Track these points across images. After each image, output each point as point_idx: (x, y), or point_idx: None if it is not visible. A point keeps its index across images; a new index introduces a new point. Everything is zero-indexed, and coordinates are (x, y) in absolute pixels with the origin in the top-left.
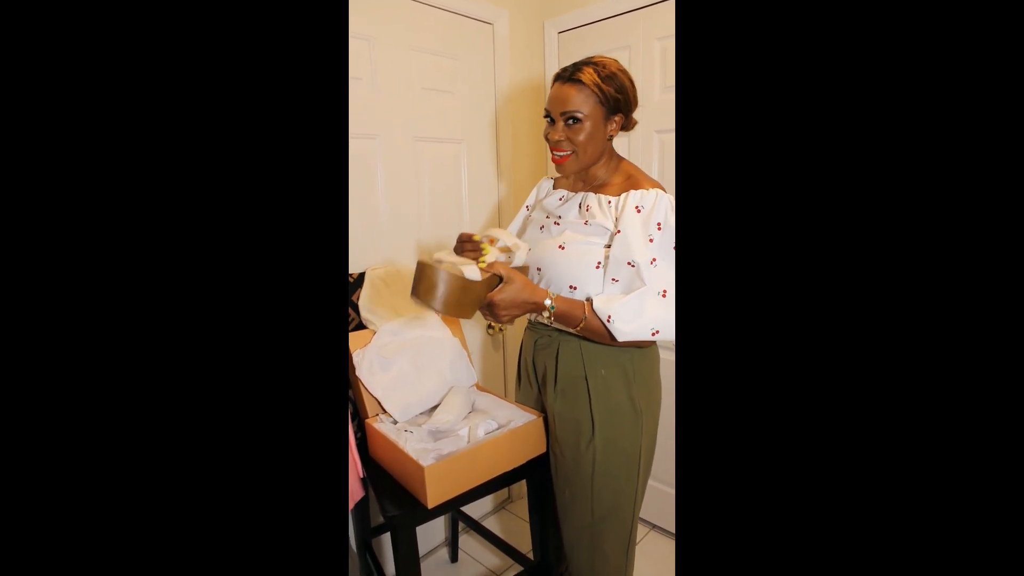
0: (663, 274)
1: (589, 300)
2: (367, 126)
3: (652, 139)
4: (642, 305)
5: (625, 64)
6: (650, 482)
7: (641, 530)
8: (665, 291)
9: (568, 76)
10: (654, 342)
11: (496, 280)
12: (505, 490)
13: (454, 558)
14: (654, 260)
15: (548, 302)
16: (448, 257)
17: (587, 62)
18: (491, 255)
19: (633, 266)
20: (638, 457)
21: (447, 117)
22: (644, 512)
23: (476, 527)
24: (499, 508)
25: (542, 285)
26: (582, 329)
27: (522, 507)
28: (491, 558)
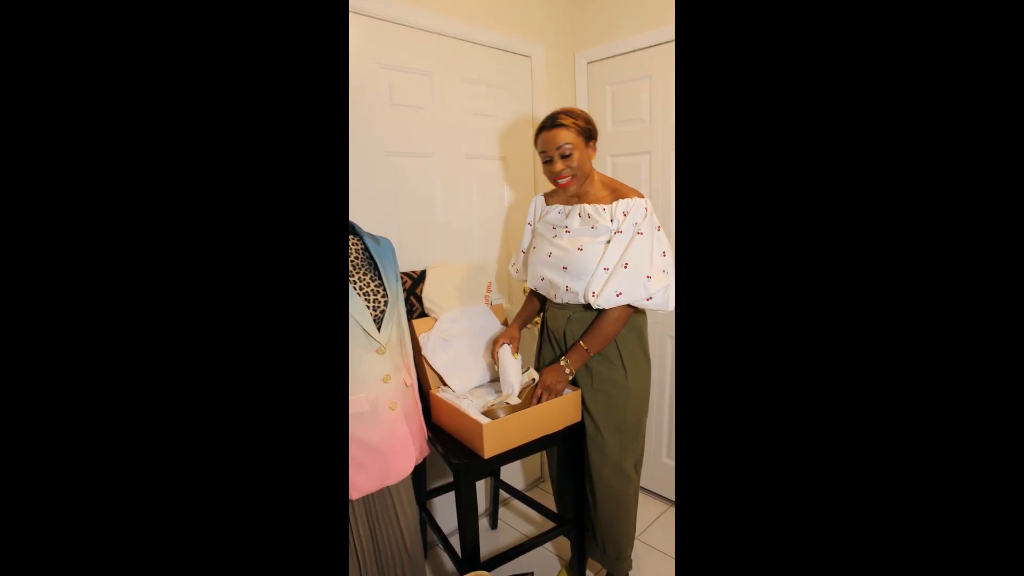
0: (630, 251)
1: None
2: (427, 146)
3: (670, 159)
4: (612, 277)
5: (647, 90)
6: (658, 459)
7: (651, 502)
8: (627, 263)
9: (552, 124)
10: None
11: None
12: (539, 470)
13: (494, 525)
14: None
15: (564, 362)
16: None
17: (559, 112)
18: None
19: (624, 264)
20: (647, 394)
21: (491, 137)
22: (652, 485)
23: (517, 495)
24: (532, 486)
25: (568, 282)
26: (595, 345)
27: None
28: (527, 526)
